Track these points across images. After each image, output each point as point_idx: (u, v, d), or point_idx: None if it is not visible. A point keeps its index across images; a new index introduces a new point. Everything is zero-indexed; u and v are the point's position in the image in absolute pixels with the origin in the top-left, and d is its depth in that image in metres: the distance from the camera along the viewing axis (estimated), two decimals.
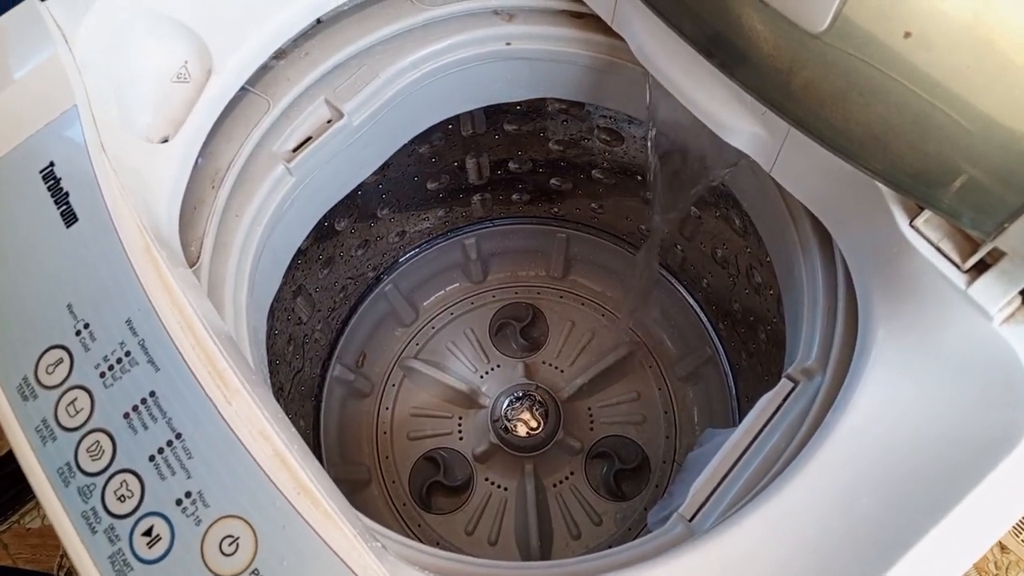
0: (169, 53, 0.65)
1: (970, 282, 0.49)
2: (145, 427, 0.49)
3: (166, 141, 0.63)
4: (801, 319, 0.65)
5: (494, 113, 0.91)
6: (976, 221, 0.46)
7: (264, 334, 0.72)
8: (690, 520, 0.58)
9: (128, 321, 0.51)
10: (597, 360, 1.18)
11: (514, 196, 1.17)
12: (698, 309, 1.15)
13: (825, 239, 0.63)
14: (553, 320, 1.24)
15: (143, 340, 0.50)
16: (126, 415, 0.49)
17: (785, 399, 0.61)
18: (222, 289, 0.64)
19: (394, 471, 1.14)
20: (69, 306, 0.52)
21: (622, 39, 0.69)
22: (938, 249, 0.50)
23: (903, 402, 0.51)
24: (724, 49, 0.52)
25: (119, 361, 0.50)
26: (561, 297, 1.26)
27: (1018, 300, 0.48)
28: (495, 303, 1.26)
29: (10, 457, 0.51)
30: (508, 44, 0.74)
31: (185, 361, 0.49)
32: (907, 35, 0.41)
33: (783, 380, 0.62)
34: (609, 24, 0.68)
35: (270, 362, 0.86)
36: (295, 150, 0.70)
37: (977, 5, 0.40)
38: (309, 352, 1.05)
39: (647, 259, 1.06)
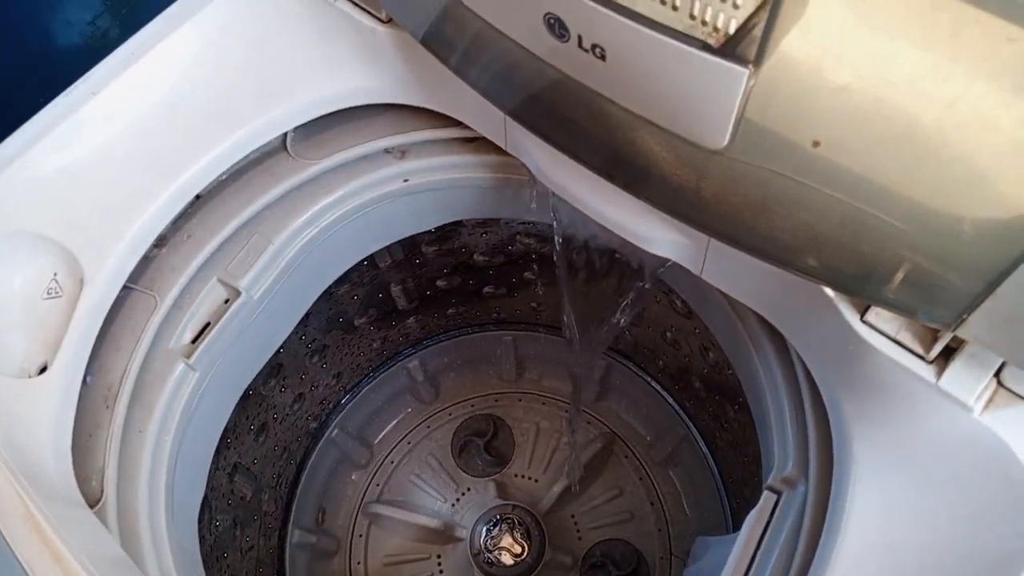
0: (33, 269, 0.59)
1: (939, 373, 0.45)
2: None
3: (44, 370, 0.56)
4: (768, 422, 0.60)
5: (409, 241, 0.86)
6: (933, 315, 0.42)
7: (197, 549, 0.65)
8: None
9: None
10: (571, 461, 1.11)
11: (449, 310, 1.12)
12: (660, 389, 1.11)
13: (776, 334, 0.59)
14: (517, 427, 1.18)
15: None
16: None
17: (772, 512, 0.56)
18: (136, 522, 0.57)
19: None
20: None
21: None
22: (897, 342, 0.46)
23: (899, 509, 0.47)
24: (623, 171, 0.48)
25: None
26: (520, 400, 1.20)
27: (994, 383, 0.44)
28: (453, 421, 1.19)
29: None
30: (406, 180, 0.70)
31: None
32: (816, 144, 0.38)
33: (766, 492, 0.57)
34: (503, 148, 0.64)
35: (217, 557, 0.79)
36: (194, 341, 0.64)
37: (882, 94, 0.36)
38: (262, 527, 0.96)
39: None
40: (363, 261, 0.84)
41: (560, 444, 1.16)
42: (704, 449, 1.06)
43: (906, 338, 0.45)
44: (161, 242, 0.65)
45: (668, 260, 0.60)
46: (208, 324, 0.65)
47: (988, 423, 0.44)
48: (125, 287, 0.62)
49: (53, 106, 0.60)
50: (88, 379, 0.59)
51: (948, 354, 0.45)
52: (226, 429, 0.75)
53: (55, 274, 0.59)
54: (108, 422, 0.59)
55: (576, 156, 0.51)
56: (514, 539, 1.06)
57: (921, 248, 0.39)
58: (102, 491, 0.57)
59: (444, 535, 1.07)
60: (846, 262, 0.43)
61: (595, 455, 1.12)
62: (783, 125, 0.38)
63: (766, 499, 0.57)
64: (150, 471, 0.60)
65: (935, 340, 0.45)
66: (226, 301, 0.66)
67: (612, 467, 1.14)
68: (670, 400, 1.10)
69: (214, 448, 0.70)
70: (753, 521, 0.57)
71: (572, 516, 1.10)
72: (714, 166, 0.42)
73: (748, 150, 0.40)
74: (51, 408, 0.55)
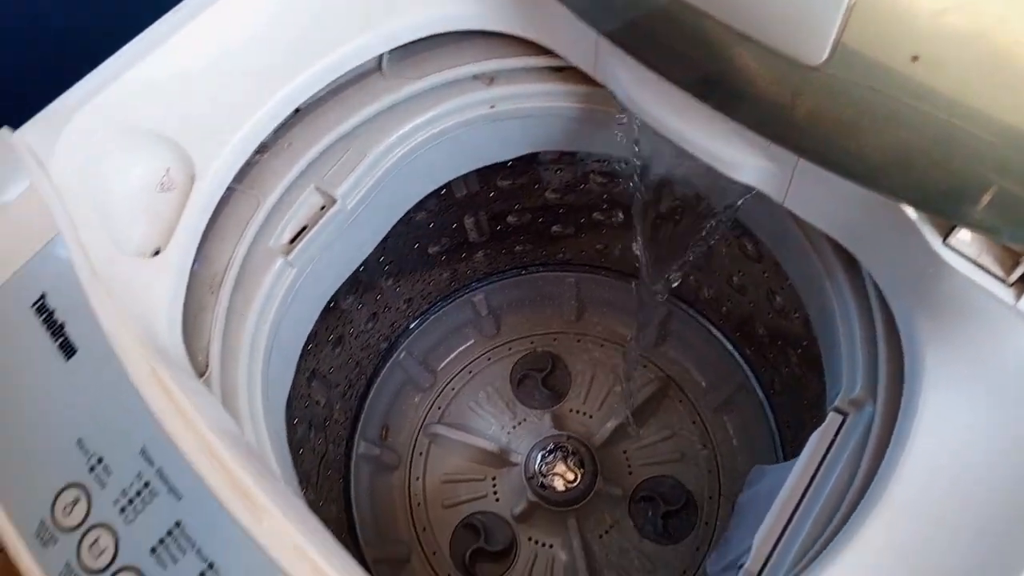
0: (148, 164, 0.64)
1: (1018, 296, 0.46)
2: (175, 560, 0.46)
3: (158, 253, 0.61)
4: (838, 347, 0.62)
5: (486, 172, 0.89)
6: (1016, 234, 0.43)
7: (285, 433, 0.70)
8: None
9: (143, 450, 0.48)
10: (625, 401, 1.14)
11: (517, 248, 1.15)
12: (721, 337, 1.12)
13: (851, 262, 0.61)
14: (574, 366, 1.21)
15: (161, 468, 0.48)
16: (153, 550, 0.47)
17: (836, 433, 0.58)
18: (236, 396, 0.62)
19: (434, 543, 1.10)
20: (79, 441, 0.50)
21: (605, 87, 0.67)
22: (978, 265, 0.47)
23: (968, 429, 0.48)
24: (719, 90, 0.50)
25: (138, 493, 0.48)
26: (578, 341, 1.23)
27: None
28: (512, 355, 1.23)
29: None
30: (492, 107, 0.73)
31: (207, 485, 0.47)
32: (915, 59, 0.39)
33: (831, 414, 0.59)
34: (592, 76, 0.66)
35: (293, 453, 0.84)
36: (292, 241, 0.69)
37: (981, 18, 0.37)
38: (331, 434, 1.02)
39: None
40: (441, 190, 0.88)
41: (615, 385, 1.19)
42: (761, 396, 1.07)
43: (987, 261, 0.47)
44: (263, 149, 0.69)
45: (749, 192, 0.62)
46: (305, 227, 0.69)
47: None
48: (230, 187, 0.66)
49: (173, 13, 0.64)
50: (195, 266, 0.64)
51: None
52: (309, 336, 0.80)
53: (168, 169, 0.64)
54: (213, 305, 0.64)
55: (671, 76, 0.52)
56: (567, 466, 1.09)
57: (1010, 167, 0.41)
58: (207, 365, 0.61)
59: (500, 458, 1.11)
60: (936, 181, 0.44)
61: (650, 397, 1.15)
62: (882, 41, 0.39)
63: (831, 420, 0.58)
64: (249, 354, 0.64)
65: (1016, 265, 0.46)
66: (322, 208, 0.70)
67: (666, 410, 1.16)
68: (730, 347, 1.11)
69: (302, 345, 0.75)
70: (816, 440, 0.58)
71: (624, 452, 1.13)
72: (811, 82, 0.44)
73: (846, 65, 0.41)
74: (165, 286, 0.60)
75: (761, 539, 0.56)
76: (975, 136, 0.41)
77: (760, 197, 0.61)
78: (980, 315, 0.47)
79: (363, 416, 1.11)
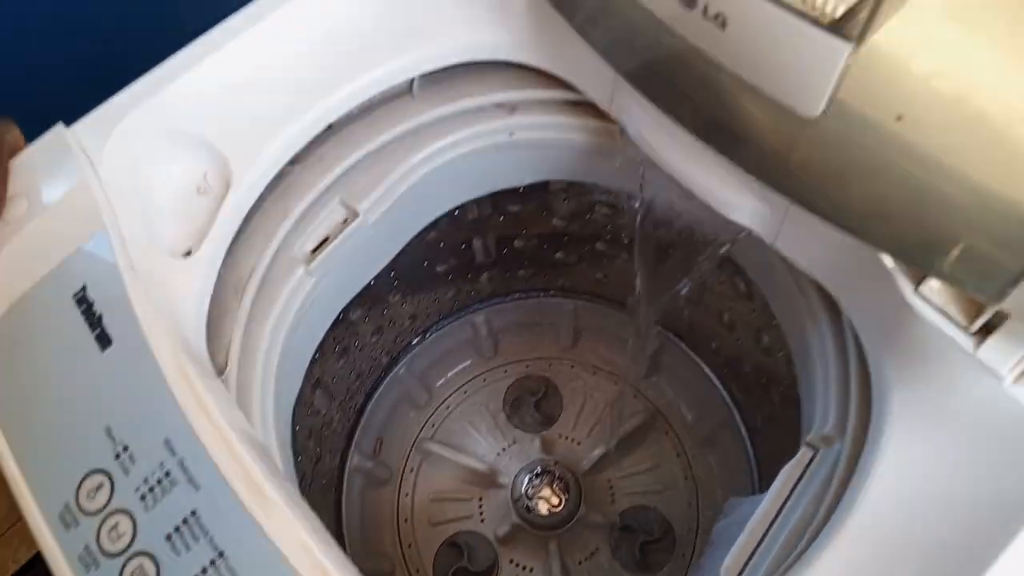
0: (189, 167, 0.68)
1: (978, 344, 0.50)
2: (188, 548, 0.49)
3: (189, 254, 0.65)
4: (815, 386, 0.66)
5: (498, 196, 0.93)
6: (979, 287, 0.48)
7: (290, 436, 0.73)
8: None
9: (167, 441, 0.52)
10: (613, 430, 1.18)
11: (520, 272, 1.19)
12: (709, 372, 1.16)
13: (832, 307, 0.65)
14: (566, 391, 1.25)
15: (182, 459, 0.51)
16: (168, 536, 0.50)
17: (807, 467, 0.62)
18: (250, 396, 0.65)
19: (418, 560, 1.12)
20: (107, 429, 0.53)
21: (617, 123, 0.72)
22: (944, 313, 0.51)
23: (924, 466, 0.52)
24: (722, 134, 0.55)
25: (159, 482, 0.51)
26: (572, 367, 1.27)
27: None
28: (507, 378, 1.27)
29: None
30: (512, 135, 0.78)
31: (224, 477, 0.50)
32: (899, 118, 0.44)
33: (803, 448, 0.63)
34: (607, 111, 0.71)
35: (293, 459, 0.87)
36: (313, 251, 0.73)
37: (964, 85, 0.42)
38: (328, 443, 1.05)
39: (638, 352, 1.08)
40: (454, 211, 0.92)
41: (605, 413, 1.22)
42: (743, 432, 1.11)
43: (953, 311, 0.51)
44: (295, 160, 0.73)
45: (743, 232, 0.67)
46: (326, 239, 0.73)
47: (1016, 394, 0.49)
48: (261, 195, 0.71)
49: (223, 27, 0.69)
50: (222, 270, 0.68)
51: (989, 329, 0.51)
52: (318, 345, 0.84)
53: (206, 173, 0.68)
54: (236, 308, 0.68)
55: (679, 117, 0.57)
56: (552, 491, 1.13)
57: (979, 225, 0.45)
58: (226, 364, 0.65)
59: (488, 479, 1.14)
60: (911, 233, 0.49)
61: (637, 427, 1.18)
62: (872, 100, 0.44)
63: (802, 454, 0.62)
64: (264, 359, 0.68)
65: (978, 315, 0.50)
66: (344, 220, 0.74)
67: (652, 441, 1.20)
68: (717, 383, 1.15)
69: (313, 351, 0.79)
70: (787, 473, 0.62)
71: (609, 480, 1.16)
72: (805, 134, 0.49)
73: (838, 120, 0.46)
74: (194, 286, 0.64)
75: (729, 564, 0.60)
76: (951, 195, 0.45)
77: (753, 238, 0.65)
78: (944, 361, 0.51)
79: (359, 429, 1.14)
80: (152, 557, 0.49)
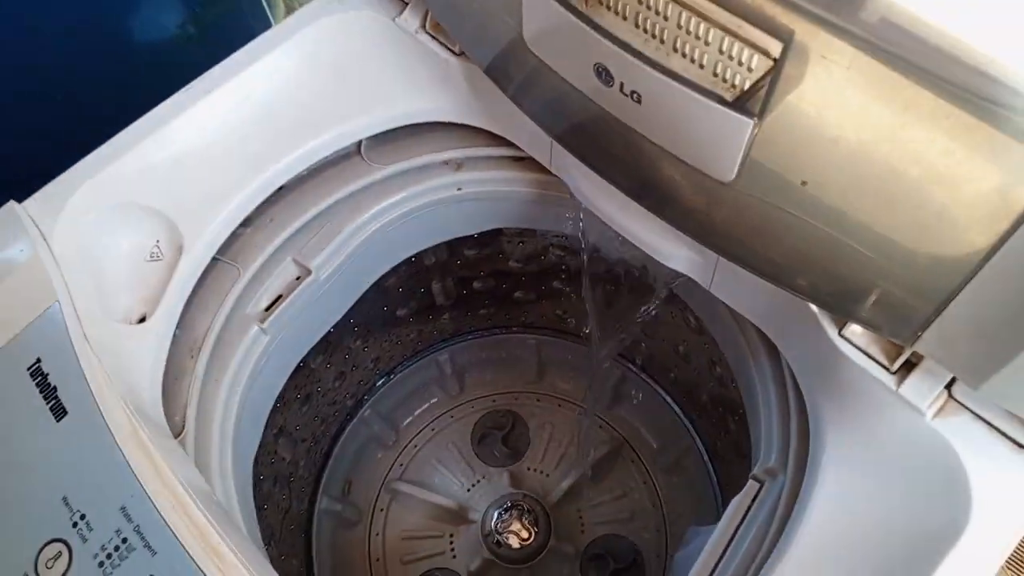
0: (141, 236, 0.69)
1: (900, 382, 0.53)
2: None
3: (143, 320, 0.67)
4: (759, 420, 0.69)
5: (454, 243, 0.96)
6: (894, 331, 0.51)
7: (251, 489, 0.74)
8: None
9: (123, 508, 0.53)
10: (581, 460, 1.20)
11: (481, 311, 1.21)
12: (670, 401, 1.19)
13: (771, 346, 0.68)
14: (533, 424, 1.27)
15: (138, 526, 0.52)
16: None
17: (753, 500, 0.65)
18: (208, 455, 0.66)
19: None
20: (64, 499, 0.54)
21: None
22: (867, 354, 0.54)
23: (857, 499, 0.55)
24: (649, 194, 0.58)
25: (116, 549, 0.52)
26: (538, 401, 1.29)
27: (945, 395, 0.53)
28: (474, 413, 1.28)
29: None
30: (459, 189, 0.80)
31: (180, 542, 0.52)
32: (803, 184, 0.47)
33: (750, 481, 0.66)
34: (547, 167, 0.74)
35: (258, 508, 0.88)
36: (267, 309, 0.74)
37: (861, 150, 0.45)
38: (295, 489, 1.06)
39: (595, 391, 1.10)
40: (412, 258, 0.95)
41: (572, 444, 1.25)
42: (706, 458, 1.14)
43: (875, 351, 0.54)
44: (247, 223, 0.75)
45: (682, 275, 0.70)
46: (280, 296, 0.75)
47: (938, 427, 0.53)
48: (214, 258, 0.72)
49: (173, 100, 0.71)
50: (177, 332, 0.69)
51: (909, 367, 0.54)
52: (279, 394, 0.85)
53: (158, 241, 0.70)
54: (191, 370, 0.69)
55: (610, 179, 0.60)
56: (522, 524, 1.14)
57: (886, 274, 0.48)
58: (183, 426, 0.67)
59: (458, 516, 1.16)
60: (826, 283, 0.52)
61: (604, 457, 1.20)
62: (779, 166, 0.47)
63: (749, 487, 0.65)
64: (222, 416, 0.69)
65: (899, 355, 0.53)
66: (297, 278, 0.76)
67: (619, 470, 1.22)
68: (678, 411, 1.18)
69: (271, 405, 0.80)
70: (736, 505, 0.65)
71: (578, 510, 1.18)
72: (723, 196, 0.52)
73: (751, 184, 0.49)
74: (148, 351, 0.65)
75: None
76: (856, 248, 0.48)
77: (695, 282, 0.68)
78: (870, 398, 0.54)
79: (327, 472, 1.15)
80: None
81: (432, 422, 1.27)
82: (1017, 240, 0.40)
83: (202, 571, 0.51)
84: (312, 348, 0.87)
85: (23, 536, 0.54)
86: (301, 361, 0.88)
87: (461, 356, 1.28)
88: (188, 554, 0.51)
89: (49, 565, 0.53)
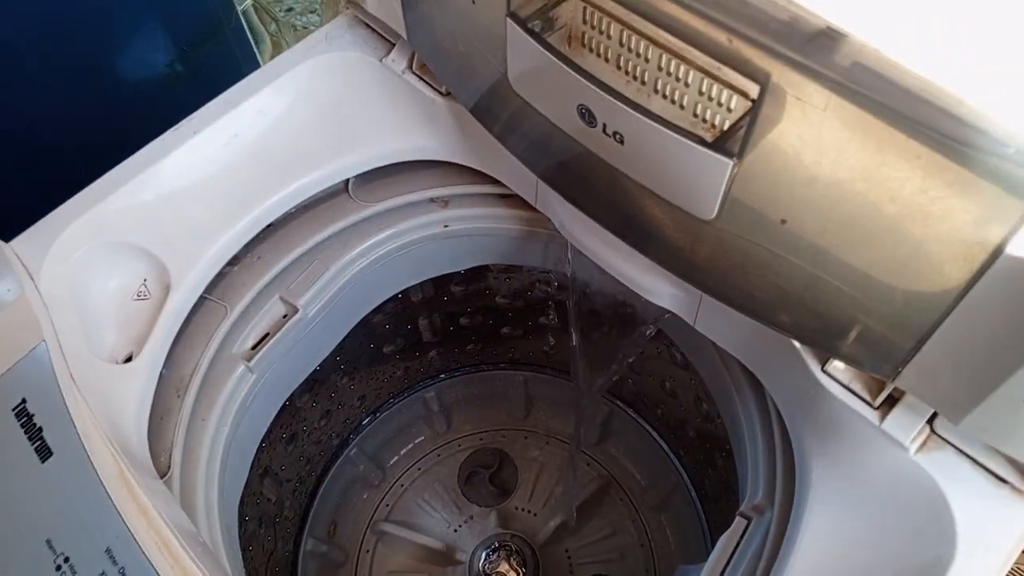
0: (128, 275, 0.70)
1: (882, 417, 0.54)
2: None
3: (130, 359, 0.67)
4: (745, 456, 0.69)
5: (441, 279, 0.96)
6: (875, 367, 0.51)
7: (236, 530, 0.73)
8: None
9: (108, 550, 0.52)
10: (569, 498, 1.19)
11: (469, 347, 1.21)
12: (657, 437, 1.19)
13: (756, 382, 0.69)
14: (521, 462, 1.26)
15: (123, 568, 0.52)
16: None
17: (741, 537, 0.65)
18: (194, 495, 0.66)
19: None
20: (48, 541, 0.53)
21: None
22: (850, 390, 0.55)
23: (844, 535, 0.55)
24: (632, 232, 0.59)
25: None
26: (526, 438, 1.29)
27: (927, 430, 0.54)
28: (462, 451, 1.28)
29: None
30: (446, 227, 0.81)
31: None
32: (783, 222, 0.48)
33: (737, 518, 0.66)
34: (533, 204, 0.75)
35: (243, 549, 0.87)
36: (254, 348, 0.74)
37: (837, 195, 0.47)
38: (280, 530, 1.05)
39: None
40: (398, 295, 0.95)
41: (560, 482, 1.24)
42: (694, 495, 1.14)
43: (857, 387, 0.55)
44: (235, 261, 0.75)
45: (667, 312, 0.70)
46: (267, 334, 0.75)
47: (921, 462, 0.53)
48: (202, 296, 0.73)
49: (162, 140, 0.71)
50: (164, 371, 0.69)
51: (892, 403, 0.54)
52: (265, 433, 0.85)
53: (145, 280, 0.70)
54: (178, 409, 0.69)
55: (594, 216, 0.61)
56: (510, 566, 1.13)
57: (865, 310, 0.49)
58: (169, 466, 0.66)
59: (445, 557, 1.14)
60: (807, 319, 0.53)
61: (592, 495, 1.20)
62: (758, 205, 0.48)
63: (737, 524, 0.65)
64: (208, 455, 0.69)
65: (881, 390, 0.54)
66: (284, 316, 0.76)
67: (607, 508, 1.21)
68: (665, 448, 1.18)
69: (257, 445, 0.80)
70: (724, 543, 0.65)
71: (566, 550, 1.17)
72: (705, 233, 0.53)
73: (732, 222, 0.50)
74: (135, 391, 0.65)
75: None
76: (835, 284, 0.49)
77: (680, 319, 0.69)
78: (854, 434, 0.55)
79: (312, 512, 1.14)
80: None
81: (419, 461, 1.26)
82: (992, 276, 0.41)
83: None
84: (298, 387, 0.87)
85: None
86: (287, 399, 0.88)
87: (448, 393, 1.27)
88: None
89: None
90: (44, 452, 0.56)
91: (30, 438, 0.57)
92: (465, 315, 1.12)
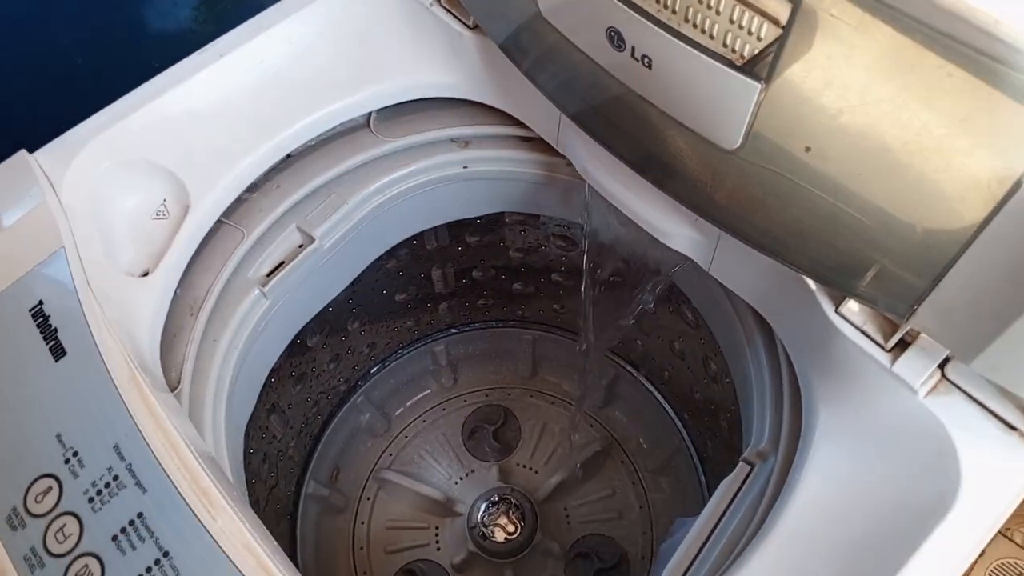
0: (149, 192, 0.70)
1: (894, 360, 0.54)
2: (133, 548, 0.50)
3: (147, 275, 0.67)
4: (752, 405, 0.69)
5: (456, 227, 0.97)
6: (890, 306, 0.51)
7: (241, 454, 0.74)
8: None
9: (116, 446, 0.53)
10: (570, 458, 1.20)
11: (479, 302, 1.22)
12: (663, 401, 1.19)
13: (767, 330, 0.69)
14: (525, 420, 1.27)
15: (130, 464, 0.53)
16: (114, 537, 0.51)
17: (743, 482, 0.65)
18: (202, 412, 0.67)
19: None
20: (58, 436, 0.54)
21: (566, 158, 0.76)
22: (863, 332, 0.55)
23: (847, 475, 0.55)
24: (654, 167, 0.59)
25: (107, 485, 0.52)
26: (531, 396, 1.29)
27: (938, 374, 0.54)
28: (467, 407, 1.28)
29: None
30: (465, 167, 0.81)
31: (171, 481, 0.52)
32: (807, 149, 0.48)
33: (740, 464, 0.66)
34: (554, 146, 0.75)
35: (247, 481, 0.88)
36: (269, 275, 0.75)
37: (865, 119, 0.46)
38: (283, 469, 1.06)
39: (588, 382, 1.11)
40: (413, 240, 0.95)
41: (561, 443, 1.24)
42: (695, 459, 1.14)
43: (870, 329, 0.55)
44: (254, 188, 0.76)
45: (682, 262, 0.70)
46: (283, 263, 0.76)
47: (929, 406, 0.53)
48: (219, 220, 0.73)
49: (188, 61, 0.71)
50: (178, 291, 0.70)
51: (904, 346, 0.54)
52: (273, 369, 0.85)
53: (164, 200, 0.71)
54: (190, 327, 0.69)
55: (617, 152, 0.61)
56: (509, 519, 1.14)
57: (884, 245, 0.49)
58: (179, 381, 0.67)
59: (445, 508, 1.15)
60: (826, 256, 0.52)
61: (593, 456, 1.20)
62: (783, 132, 0.48)
63: (740, 469, 0.65)
64: (218, 375, 0.70)
65: (894, 332, 0.54)
66: (300, 246, 0.76)
67: (608, 469, 1.22)
68: (670, 411, 1.18)
69: (266, 374, 0.80)
70: (725, 488, 0.65)
71: (565, 508, 1.18)
72: (728, 165, 0.52)
73: (755, 152, 0.50)
74: (149, 304, 0.65)
75: (669, 573, 0.62)
76: (857, 219, 0.49)
77: (693, 268, 0.69)
78: (863, 376, 0.55)
79: (316, 456, 1.15)
80: (98, 557, 0.50)
81: (424, 413, 1.27)
82: (1011, 209, 0.41)
83: (192, 510, 0.51)
84: (310, 325, 0.88)
85: (14, 471, 0.54)
86: (298, 338, 0.89)
87: (456, 348, 1.28)
88: (179, 493, 0.52)
89: (38, 499, 0.53)
90: (58, 351, 0.57)
91: (45, 338, 0.58)
92: (478, 268, 1.12)
